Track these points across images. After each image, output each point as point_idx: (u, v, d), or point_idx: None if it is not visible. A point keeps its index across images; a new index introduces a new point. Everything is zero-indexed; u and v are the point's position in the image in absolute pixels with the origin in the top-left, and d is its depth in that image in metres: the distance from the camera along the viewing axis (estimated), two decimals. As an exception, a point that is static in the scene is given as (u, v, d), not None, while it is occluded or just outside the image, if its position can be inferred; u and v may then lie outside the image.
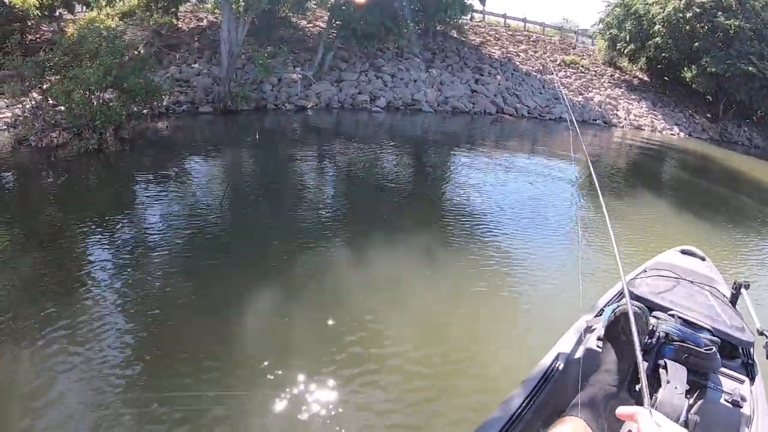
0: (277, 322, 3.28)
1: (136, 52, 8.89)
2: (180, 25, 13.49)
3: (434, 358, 3.04)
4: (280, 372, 2.77)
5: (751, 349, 1.99)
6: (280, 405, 2.55)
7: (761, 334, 2.01)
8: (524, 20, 21.86)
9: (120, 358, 2.79)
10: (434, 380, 2.86)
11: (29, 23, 10.24)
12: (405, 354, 3.03)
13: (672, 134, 17.08)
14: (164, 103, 9.38)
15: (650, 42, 18.22)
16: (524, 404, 1.62)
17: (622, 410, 0.93)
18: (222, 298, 3.47)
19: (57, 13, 11.39)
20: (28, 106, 7.05)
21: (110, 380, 2.61)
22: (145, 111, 8.55)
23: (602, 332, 1.76)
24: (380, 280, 3.94)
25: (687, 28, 17.38)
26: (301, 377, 2.74)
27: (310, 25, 15.40)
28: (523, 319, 3.69)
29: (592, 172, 2.12)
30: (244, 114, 10.40)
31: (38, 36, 11.00)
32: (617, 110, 17.48)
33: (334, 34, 12.91)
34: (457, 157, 9.18)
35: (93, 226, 4.47)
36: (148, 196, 5.45)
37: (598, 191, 1.99)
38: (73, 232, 4.32)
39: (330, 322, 3.29)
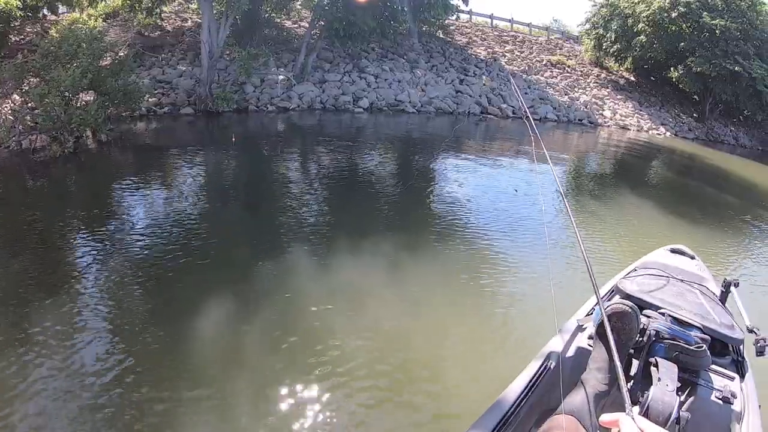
0: (238, 331, 3.25)
1: (117, 54, 8.97)
2: (164, 26, 13.56)
3: (395, 372, 2.99)
4: (237, 382, 2.76)
5: (741, 347, 2.00)
6: (231, 418, 2.56)
7: (751, 331, 2.03)
8: (511, 21, 21.94)
9: (89, 360, 2.83)
10: (394, 394, 2.81)
11: (12, 24, 10.29)
12: (365, 367, 2.99)
13: (658, 134, 17.20)
14: (145, 106, 9.48)
15: (636, 41, 18.32)
16: (516, 403, 1.62)
17: (604, 418, 0.94)
18: (186, 300, 3.51)
19: (41, 14, 11.44)
20: (6, 109, 7.16)
21: (78, 383, 2.66)
22: (124, 114, 8.66)
23: (593, 331, 1.80)
24: (344, 288, 3.90)
25: (673, 28, 17.49)
26: (252, 389, 2.72)
27: (295, 26, 15.46)
28: (493, 331, 3.61)
29: (555, 177, 2.26)
30: (226, 116, 10.48)
31: (22, 37, 11.07)
32: (603, 110, 17.60)
33: (317, 35, 13.00)
34: (434, 159, 9.26)
35: (57, 231, 4.57)
36: (117, 201, 5.54)
37: (563, 196, 2.13)
38: (39, 237, 4.42)
39: (291, 330, 3.26)
